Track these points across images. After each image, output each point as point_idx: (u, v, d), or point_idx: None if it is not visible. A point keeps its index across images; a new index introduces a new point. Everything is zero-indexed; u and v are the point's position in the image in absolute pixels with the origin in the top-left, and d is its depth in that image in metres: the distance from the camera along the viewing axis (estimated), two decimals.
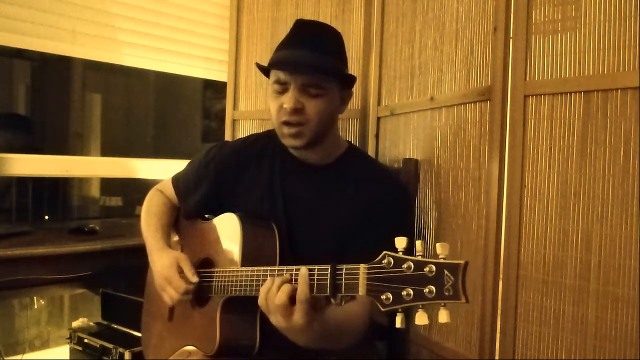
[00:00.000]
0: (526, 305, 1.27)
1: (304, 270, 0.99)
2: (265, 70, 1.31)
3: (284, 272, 1.06)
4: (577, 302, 1.18)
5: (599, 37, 1.16)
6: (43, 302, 2.53)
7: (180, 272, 1.28)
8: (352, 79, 1.32)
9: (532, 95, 1.27)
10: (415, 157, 1.61)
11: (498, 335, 1.31)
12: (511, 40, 1.31)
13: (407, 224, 1.42)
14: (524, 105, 1.28)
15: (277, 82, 1.25)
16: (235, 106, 2.16)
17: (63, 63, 2.77)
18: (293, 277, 1.01)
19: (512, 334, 1.29)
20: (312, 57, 1.23)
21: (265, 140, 1.42)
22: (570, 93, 1.20)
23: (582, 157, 1.18)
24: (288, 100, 1.22)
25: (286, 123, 1.25)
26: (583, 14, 1.18)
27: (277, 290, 1.00)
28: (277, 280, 1.01)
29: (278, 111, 1.25)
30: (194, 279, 1.26)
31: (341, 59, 1.33)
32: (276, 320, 1.01)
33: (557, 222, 1.22)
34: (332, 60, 1.27)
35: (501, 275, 1.31)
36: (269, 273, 1.10)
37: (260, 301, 1.03)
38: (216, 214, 1.37)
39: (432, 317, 0.85)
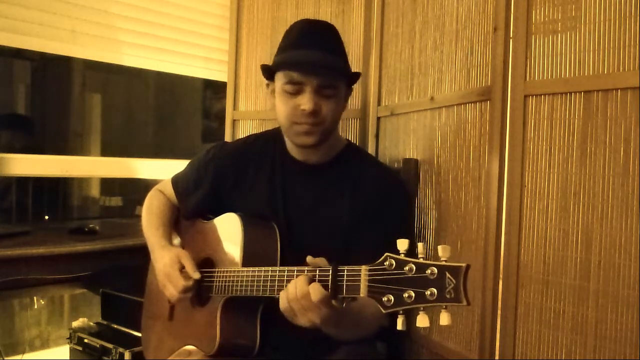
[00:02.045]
0: (526, 305, 1.27)
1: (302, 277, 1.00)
2: (269, 72, 1.30)
3: (285, 272, 1.06)
4: (577, 302, 1.18)
5: (599, 37, 1.15)
6: (43, 302, 2.53)
7: (182, 269, 1.28)
8: (357, 78, 1.34)
9: (532, 95, 1.27)
10: (415, 157, 1.60)
11: (498, 335, 1.31)
12: (511, 40, 1.31)
13: (407, 222, 1.42)
14: (524, 105, 1.27)
15: (291, 82, 1.23)
16: (235, 106, 2.16)
17: (63, 63, 2.77)
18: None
19: (512, 334, 1.29)
20: (327, 58, 1.23)
21: (265, 141, 1.42)
22: (570, 93, 1.20)
23: (582, 157, 1.18)
24: (307, 103, 1.21)
25: (300, 123, 1.24)
26: (583, 14, 1.18)
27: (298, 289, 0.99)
28: (304, 280, 1.00)
29: (292, 112, 1.24)
30: (196, 275, 1.26)
31: (346, 58, 1.34)
32: (312, 317, 0.99)
33: (557, 222, 1.22)
34: (342, 61, 1.29)
35: (501, 275, 1.31)
36: (270, 273, 1.10)
37: (294, 302, 1.01)
38: (216, 214, 1.37)
39: (433, 318, 0.85)
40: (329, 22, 1.62)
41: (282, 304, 1.02)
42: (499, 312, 1.31)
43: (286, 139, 1.36)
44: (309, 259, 1.02)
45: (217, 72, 2.53)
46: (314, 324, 1.00)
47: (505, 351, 1.29)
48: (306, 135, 1.26)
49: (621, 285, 1.11)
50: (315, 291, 0.95)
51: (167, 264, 1.29)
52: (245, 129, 2.14)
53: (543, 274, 1.24)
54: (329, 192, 1.32)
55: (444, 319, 0.82)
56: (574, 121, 1.20)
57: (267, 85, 1.32)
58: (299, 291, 0.98)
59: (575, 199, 1.19)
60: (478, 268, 1.34)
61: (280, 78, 1.26)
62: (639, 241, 1.08)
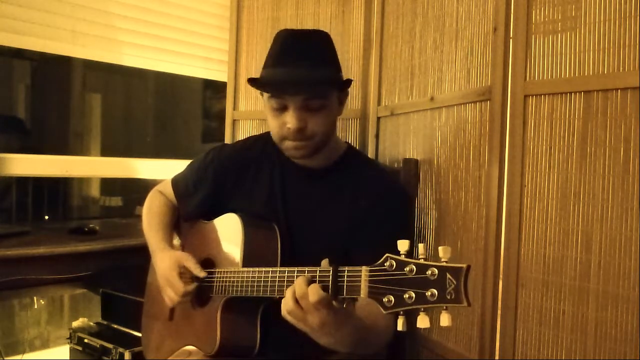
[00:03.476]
0: (526, 305, 1.27)
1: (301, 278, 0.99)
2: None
3: (286, 273, 1.06)
4: (577, 302, 1.18)
5: (599, 37, 1.16)
6: (43, 302, 2.53)
7: (181, 273, 1.28)
8: (349, 83, 1.31)
9: (532, 95, 1.27)
10: (415, 157, 1.61)
11: (498, 335, 1.31)
12: (511, 40, 1.31)
13: (407, 225, 1.42)
14: (524, 105, 1.28)
15: (274, 98, 1.21)
16: (235, 106, 2.16)
17: (63, 63, 2.77)
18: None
19: (512, 334, 1.29)
20: (309, 72, 1.20)
21: (265, 142, 1.41)
22: (570, 93, 1.20)
23: (582, 157, 1.18)
24: (291, 121, 1.20)
25: (289, 140, 1.24)
26: (583, 14, 1.18)
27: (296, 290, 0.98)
28: (303, 281, 0.99)
29: (280, 128, 1.24)
30: (202, 273, 1.25)
31: (336, 65, 1.30)
32: (311, 320, 0.98)
33: (557, 222, 1.22)
34: (329, 70, 1.25)
35: (501, 275, 1.31)
36: (270, 274, 1.10)
37: (293, 307, 0.99)
38: (216, 215, 1.37)
39: (434, 319, 0.85)
40: (329, 22, 1.62)
41: (283, 310, 1.02)
42: (499, 312, 1.31)
43: None
44: (324, 262, 1.01)
45: (217, 72, 2.53)
46: (312, 329, 0.99)
47: (505, 351, 1.29)
48: (295, 150, 1.25)
49: (621, 285, 1.11)
50: (314, 292, 0.95)
51: (167, 267, 1.29)
52: (245, 129, 2.14)
53: (543, 274, 1.24)
54: (329, 195, 1.32)
55: (445, 319, 0.82)
56: (574, 121, 1.20)
57: (262, 93, 1.32)
58: (298, 291, 0.98)
59: (575, 199, 1.19)
60: (478, 268, 1.34)
61: (266, 93, 1.25)
62: (639, 241, 1.08)
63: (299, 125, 1.20)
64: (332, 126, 1.29)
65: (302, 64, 1.20)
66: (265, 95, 1.25)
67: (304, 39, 1.27)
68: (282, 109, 1.22)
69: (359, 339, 1.08)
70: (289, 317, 1.01)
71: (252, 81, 1.28)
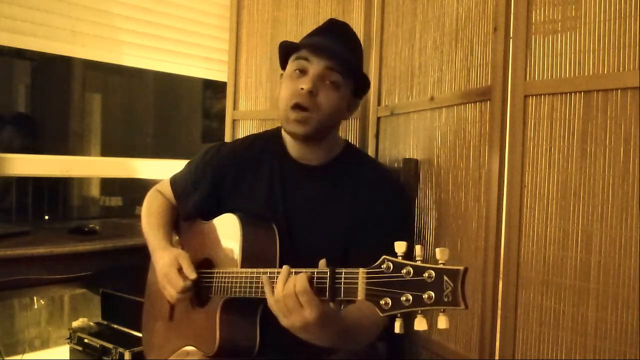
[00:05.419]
0: (526, 305, 1.27)
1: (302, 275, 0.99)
2: (284, 59, 1.33)
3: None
4: (577, 302, 1.18)
5: (599, 37, 1.15)
6: (43, 302, 2.53)
7: (181, 269, 1.28)
8: (367, 85, 1.35)
9: (532, 95, 1.27)
10: (415, 157, 1.60)
11: (498, 335, 1.31)
12: (511, 40, 1.31)
13: (407, 225, 1.42)
14: (524, 105, 1.27)
15: (300, 60, 1.26)
16: (235, 106, 2.16)
17: (63, 63, 2.77)
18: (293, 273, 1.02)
19: (512, 334, 1.29)
20: (339, 45, 1.28)
21: (264, 142, 1.41)
22: (570, 93, 1.20)
23: (582, 157, 1.18)
24: (306, 82, 1.23)
25: (297, 106, 1.24)
26: (583, 14, 1.18)
27: (285, 286, 1.00)
28: (282, 278, 1.01)
29: (292, 93, 1.25)
30: (192, 275, 1.26)
31: (360, 58, 1.40)
32: (294, 318, 0.99)
33: (557, 222, 1.22)
34: (358, 57, 1.36)
35: (501, 275, 1.31)
36: (268, 274, 1.10)
37: (278, 301, 1.01)
38: (215, 215, 1.37)
39: (432, 321, 0.85)
40: None
41: (269, 301, 1.03)
42: (499, 312, 1.31)
43: (284, 136, 1.36)
44: (322, 262, 1.01)
45: (217, 72, 2.52)
46: (293, 326, 1.00)
47: (505, 351, 1.29)
48: (298, 123, 1.25)
49: (621, 285, 1.11)
50: (300, 282, 0.96)
51: (166, 265, 1.29)
52: (245, 129, 2.14)
53: (543, 274, 1.24)
54: (329, 194, 1.32)
55: (442, 322, 0.82)
56: (574, 121, 1.20)
57: (281, 75, 1.35)
58: (286, 288, 0.98)
59: (575, 199, 1.19)
60: (478, 268, 1.34)
61: (291, 60, 1.30)
62: (639, 241, 1.08)
63: (312, 87, 1.23)
64: (336, 113, 1.29)
65: (340, 41, 1.30)
66: (290, 62, 1.30)
67: (347, 28, 1.38)
68: (301, 73, 1.26)
69: (340, 338, 1.09)
70: (274, 308, 1.02)
71: (285, 44, 1.33)
